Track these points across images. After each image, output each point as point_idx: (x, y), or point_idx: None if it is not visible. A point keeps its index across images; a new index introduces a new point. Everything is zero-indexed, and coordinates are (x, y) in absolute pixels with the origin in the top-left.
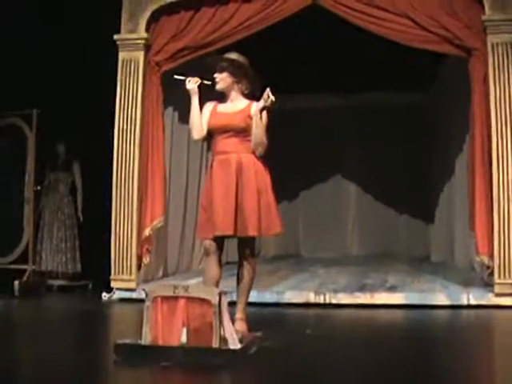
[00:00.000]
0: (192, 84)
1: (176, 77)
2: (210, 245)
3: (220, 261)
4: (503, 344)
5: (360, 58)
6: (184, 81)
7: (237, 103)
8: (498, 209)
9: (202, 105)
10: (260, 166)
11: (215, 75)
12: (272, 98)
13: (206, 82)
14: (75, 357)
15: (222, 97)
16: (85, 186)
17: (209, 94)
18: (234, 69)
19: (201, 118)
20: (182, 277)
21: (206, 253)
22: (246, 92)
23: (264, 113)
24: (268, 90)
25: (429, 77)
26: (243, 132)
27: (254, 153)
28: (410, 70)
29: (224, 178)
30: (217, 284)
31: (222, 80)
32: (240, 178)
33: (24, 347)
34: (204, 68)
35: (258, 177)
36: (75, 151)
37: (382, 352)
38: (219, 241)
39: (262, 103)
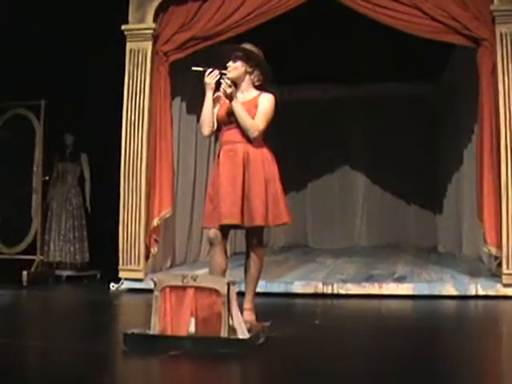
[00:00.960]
0: (210, 79)
1: (194, 68)
2: (216, 234)
3: (225, 250)
4: (511, 334)
5: (368, 49)
6: (202, 72)
7: (246, 94)
8: (506, 199)
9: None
10: (267, 155)
11: (229, 64)
12: (227, 88)
13: (223, 72)
14: (84, 347)
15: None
16: (93, 176)
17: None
18: (249, 59)
19: (213, 114)
20: (190, 267)
21: (211, 243)
22: (256, 84)
23: (265, 103)
24: (225, 79)
25: (437, 67)
26: None
27: (261, 143)
28: (419, 61)
29: (231, 167)
30: (224, 274)
31: (236, 69)
32: (247, 167)
33: (33, 338)
34: (213, 57)
35: (266, 167)
36: (83, 142)
37: (391, 342)
38: (225, 230)
39: (219, 92)
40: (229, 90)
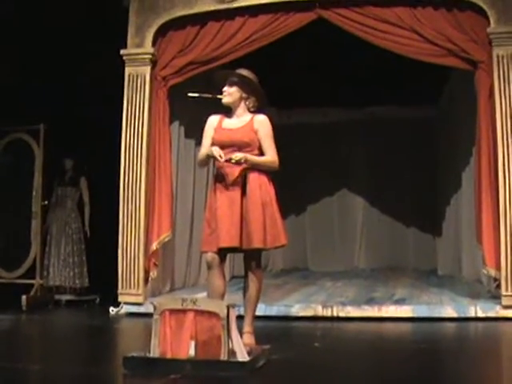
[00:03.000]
0: (216, 154)
1: (190, 94)
2: (213, 258)
3: (224, 274)
4: (511, 356)
5: (367, 72)
6: (198, 98)
7: (241, 119)
8: (504, 221)
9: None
10: (264, 178)
11: (224, 89)
12: (232, 159)
13: (219, 97)
14: (84, 370)
15: (227, 110)
16: (92, 200)
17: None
18: (244, 85)
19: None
20: (189, 291)
21: (209, 266)
22: (251, 110)
23: (264, 128)
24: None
25: (435, 90)
26: (247, 146)
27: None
28: (417, 84)
29: (228, 190)
30: (222, 297)
31: (231, 94)
32: (244, 190)
33: (32, 362)
34: (210, 82)
35: (263, 189)
36: (82, 166)
37: (390, 365)
38: (222, 254)
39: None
40: (233, 161)
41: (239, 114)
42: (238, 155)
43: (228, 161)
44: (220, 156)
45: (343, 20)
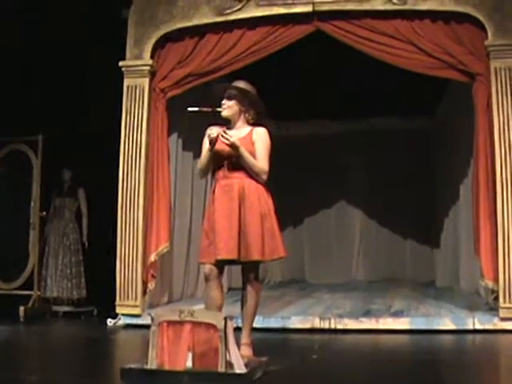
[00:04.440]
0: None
1: (190, 109)
2: (211, 270)
3: (221, 286)
4: (509, 368)
5: (364, 84)
6: (198, 112)
7: (240, 131)
8: (502, 233)
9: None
10: (262, 190)
11: (223, 102)
12: (229, 139)
13: (218, 110)
14: (81, 382)
15: (227, 121)
16: (90, 211)
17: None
18: (243, 97)
19: (210, 164)
20: (187, 303)
21: (207, 278)
22: (251, 122)
23: (262, 140)
24: (221, 133)
25: (434, 102)
26: None
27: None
28: (415, 96)
29: (227, 202)
30: (220, 309)
31: (230, 108)
32: (243, 202)
33: (30, 373)
34: (208, 94)
35: (261, 201)
36: (81, 177)
37: (388, 377)
38: (220, 266)
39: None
40: (230, 142)
41: (238, 127)
42: (234, 137)
43: (222, 136)
44: (210, 135)
45: (341, 32)
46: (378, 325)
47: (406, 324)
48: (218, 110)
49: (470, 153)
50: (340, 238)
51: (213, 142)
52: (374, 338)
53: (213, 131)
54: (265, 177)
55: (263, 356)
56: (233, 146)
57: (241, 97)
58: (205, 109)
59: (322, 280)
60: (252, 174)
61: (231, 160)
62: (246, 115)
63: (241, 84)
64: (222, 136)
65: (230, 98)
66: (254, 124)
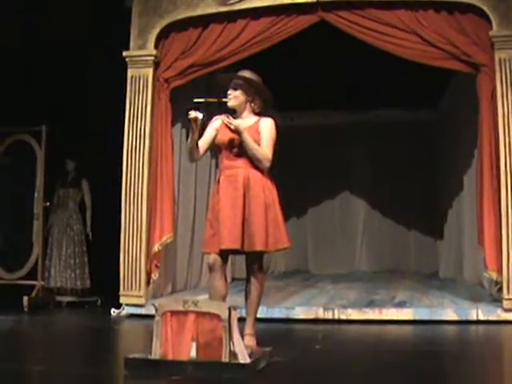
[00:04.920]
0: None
1: (196, 100)
2: (215, 259)
3: (225, 275)
4: None
5: (368, 75)
6: (204, 103)
7: (247, 120)
8: (506, 224)
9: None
10: (267, 180)
11: (229, 92)
12: (232, 123)
13: (224, 100)
14: (85, 371)
15: (233, 111)
16: (94, 202)
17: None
18: (249, 87)
19: (196, 147)
20: (191, 293)
21: (211, 268)
22: (257, 111)
23: (267, 129)
24: (224, 119)
25: (437, 93)
26: None
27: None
28: (419, 87)
29: (231, 192)
30: (224, 299)
31: (236, 97)
32: (247, 192)
33: (34, 362)
34: (212, 84)
35: (266, 191)
36: (84, 168)
37: (392, 367)
38: (224, 255)
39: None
40: (233, 126)
41: (245, 116)
42: (234, 122)
43: (225, 122)
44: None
45: (345, 22)
46: (381, 315)
47: (409, 315)
48: (224, 100)
49: (473, 144)
50: (343, 228)
51: (197, 120)
52: (377, 328)
53: (197, 114)
54: (268, 164)
55: (267, 346)
56: (236, 129)
57: (246, 86)
58: (210, 99)
59: (326, 270)
60: (255, 161)
61: (236, 149)
62: (252, 105)
63: (246, 73)
64: (225, 121)
65: (235, 88)
66: (260, 114)
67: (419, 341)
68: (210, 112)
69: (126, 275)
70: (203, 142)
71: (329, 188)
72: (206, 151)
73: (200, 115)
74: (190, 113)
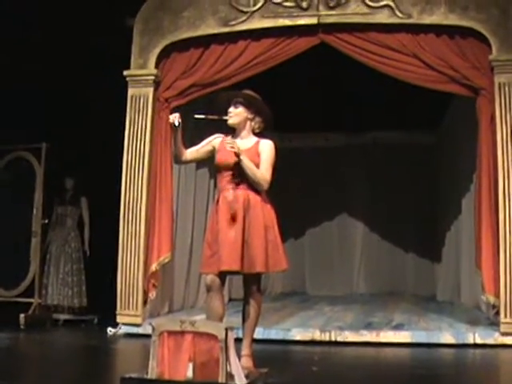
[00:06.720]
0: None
1: (196, 116)
2: (213, 280)
3: (223, 296)
4: (510, 383)
5: (367, 97)
6: (204, 119)
7: (246, 141)
8: (504, 248)
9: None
10: (266, 202)
11: (230, 109)
12: (233, 147)
13: (225, 118)
14: None
15: (230, 131)
16: (92, 220)
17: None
18: (250, 105)
19: (182, 150)
20: (188, 313)
21: (209, 289)
22: (256, 131)
23: (267, 151)
24: (226, 140)
25: (437, 116)
26: None
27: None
28: (418, 110)
29: (230, 213)
30: (221, 320)
31: (237, 115)
32: (247, 213)
33: (29, 381)
34: (212, 103)
35: (265, 213)
36: (83, 186)
37: None
38: (222, 276)
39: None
40: (235, 150)
41: (244, 136)
42: (235, 144)
43: (226, 143)
44: (174, 119)
45: (345, 45)
46: (378, 338)
47: (406, 338)
48: (225, 118)
49: (472, 167)
50: (341, 250)
51: (175, 125)
52: (374, 351)
53: (174, 120)
54: (266, 186)
55: (263, 367)
56: (236, 153)
57: (248, 104)
58: (211, 116)
59: (323, 292)
60: (253, 183)
61: (235, 171)
62: (252, 124)
63: (248, 91)
64: (226, 143)
65: (236, 106)
66: (259, 135)
67: (416, 364)
68: (210, 128)
69: (123, 294)
70: (195, 150)
71: (327, 210)
72: (194, 159)
73: (176, 122)
74: (169, 117)
